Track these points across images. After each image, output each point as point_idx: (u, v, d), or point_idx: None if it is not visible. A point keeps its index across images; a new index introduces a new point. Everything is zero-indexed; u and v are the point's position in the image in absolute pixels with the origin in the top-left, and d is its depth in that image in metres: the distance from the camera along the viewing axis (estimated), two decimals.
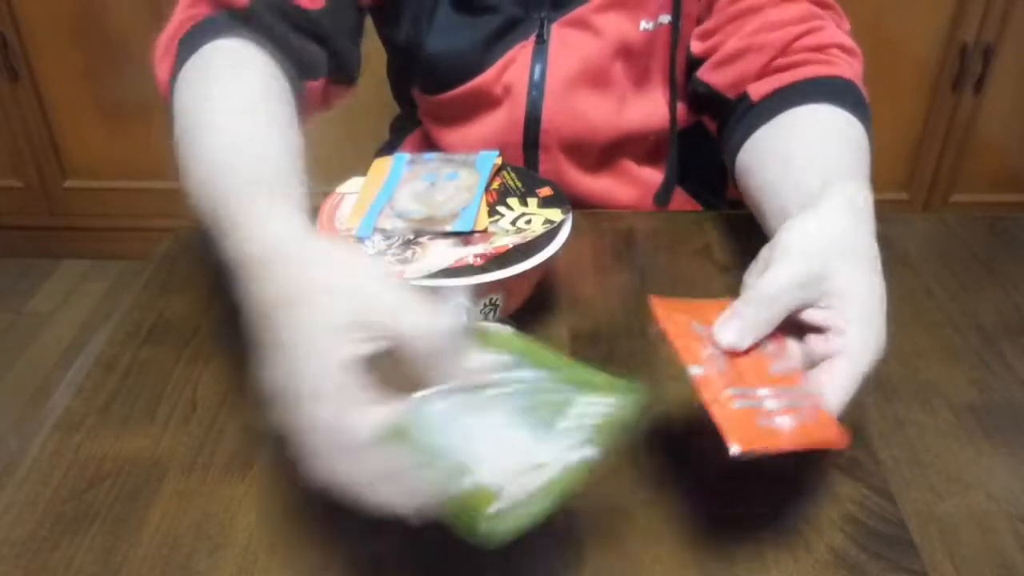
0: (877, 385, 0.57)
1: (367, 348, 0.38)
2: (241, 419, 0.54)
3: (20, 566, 0.44)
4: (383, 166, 0.65)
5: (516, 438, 0.35)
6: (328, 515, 0.47)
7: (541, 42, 0.76)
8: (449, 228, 0.57)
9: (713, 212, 0.79)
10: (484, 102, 0.79)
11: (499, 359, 0.39)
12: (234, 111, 0.54)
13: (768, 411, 0.42)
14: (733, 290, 0.66)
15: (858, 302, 0.46)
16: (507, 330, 0.41)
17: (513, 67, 0.77)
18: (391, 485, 0.36)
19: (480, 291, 0.54)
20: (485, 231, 0.57)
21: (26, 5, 1.76)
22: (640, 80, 0.78)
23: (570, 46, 0.76)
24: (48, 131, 1.89)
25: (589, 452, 0.35)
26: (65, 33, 1.79)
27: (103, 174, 1.94)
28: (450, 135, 0.83)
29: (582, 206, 0.61)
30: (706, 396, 0.41)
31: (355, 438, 0.36)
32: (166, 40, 0.65)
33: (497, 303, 0.56)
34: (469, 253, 0.55)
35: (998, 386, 0.57)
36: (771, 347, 0.45)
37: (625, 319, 0.62)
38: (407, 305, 0.38)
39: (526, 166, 0.80)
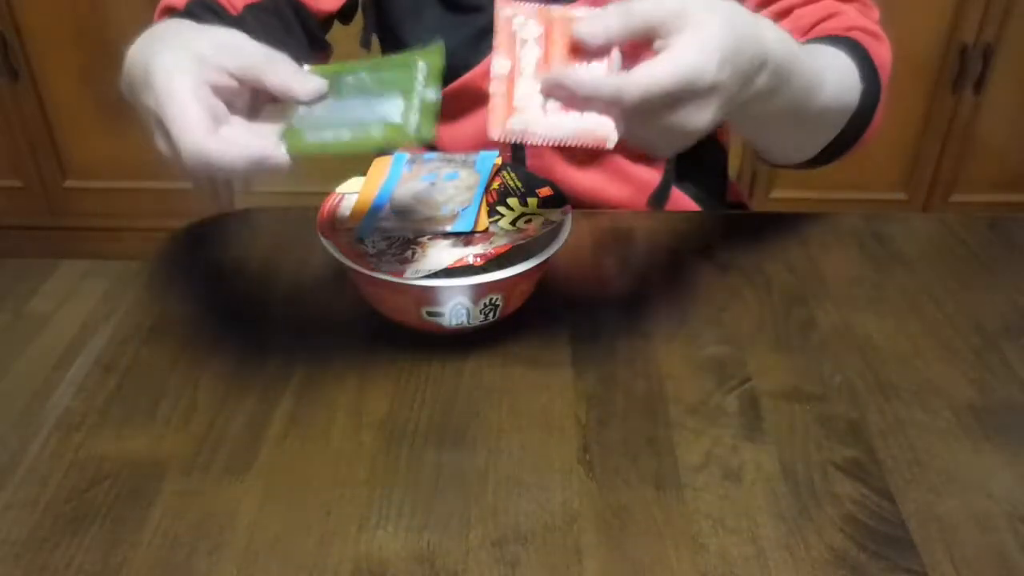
0: (877, 385, 0.57)
1: (213, 76, 0.47)
2: (241, 419, 0.54)
3: (20, 566, 0.44)
4: (383, 166, 0.65)
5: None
6: (328, 514, 0.47)
7: None
8: (449, 228, 0.57)
9: (713, 212, 0.79)
10: (472, 99, 0.79)
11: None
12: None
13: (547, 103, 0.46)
14: (734, 290, 0.66)
15: (701, 28, 0.44)
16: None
17: None
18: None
19: (480, 291, 0.54)
20: (485, 231, 0.57)
21: (26, 5, 1.76)
22: None
23: None
24: (48, 131, 1.89)
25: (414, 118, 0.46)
26: (65, 33, 1.79)
27: (103, 174, 1.94)
28: (440, 131, 0.83)
29: (573, 202, 0.62)
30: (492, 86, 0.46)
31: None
32: None
33: (497, 303, 0.56)
34: (469, 253, 0.55)
35: (998, 386, 0.57)
36: (598, 64, 0.47)
37: (625, 319, 0.62)
38: (239, 42, 0.49)
39: (513, 161, 0.80)
